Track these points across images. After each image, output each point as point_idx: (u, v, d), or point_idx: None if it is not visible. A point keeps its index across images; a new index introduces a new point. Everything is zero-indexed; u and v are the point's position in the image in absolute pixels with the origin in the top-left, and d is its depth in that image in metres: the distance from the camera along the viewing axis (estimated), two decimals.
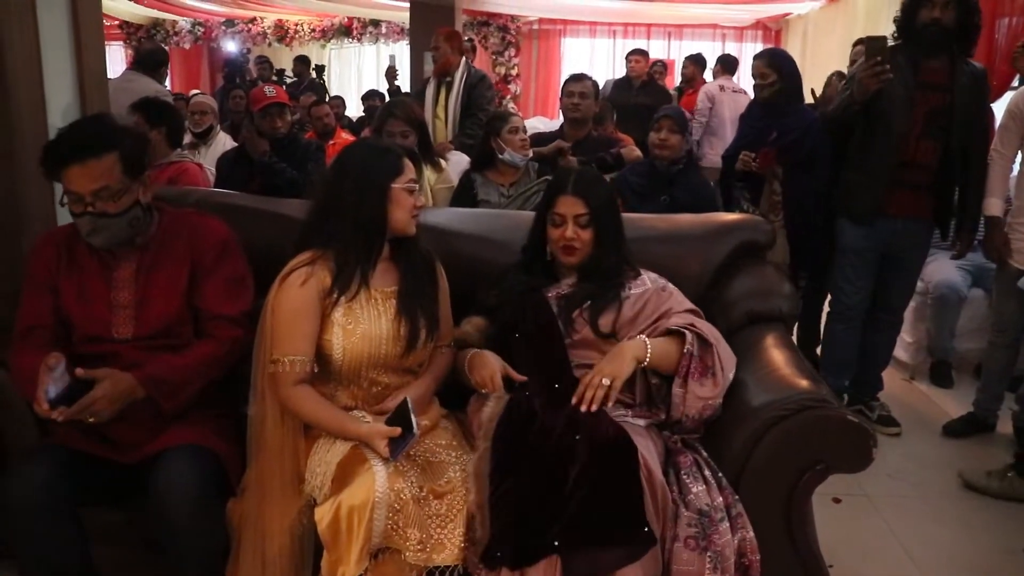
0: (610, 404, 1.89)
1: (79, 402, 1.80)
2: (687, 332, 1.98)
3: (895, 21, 3.32)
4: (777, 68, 3.62)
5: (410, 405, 1.82)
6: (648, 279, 2.17)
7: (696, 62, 8.00)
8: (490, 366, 1.99)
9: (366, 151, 2.03)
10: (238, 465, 1.99)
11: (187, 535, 1.83)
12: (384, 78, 7.17)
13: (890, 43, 3.22)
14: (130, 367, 1.93)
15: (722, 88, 6.83)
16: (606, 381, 1.89)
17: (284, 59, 11.04)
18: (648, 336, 2.01)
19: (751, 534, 1.78)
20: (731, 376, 1.97)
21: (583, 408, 1.86)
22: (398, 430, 1.80)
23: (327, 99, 7.08)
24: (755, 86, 3.78)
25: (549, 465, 1.75)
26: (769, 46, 10.21)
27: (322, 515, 1.73)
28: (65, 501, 1.87)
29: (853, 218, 3.38)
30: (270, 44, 12.12)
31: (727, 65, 7.34)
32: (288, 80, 9.07)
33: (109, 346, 2.01)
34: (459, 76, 4.59)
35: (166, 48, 7.93)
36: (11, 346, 2.01)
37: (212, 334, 2.04)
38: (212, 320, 2.06)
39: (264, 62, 9.62)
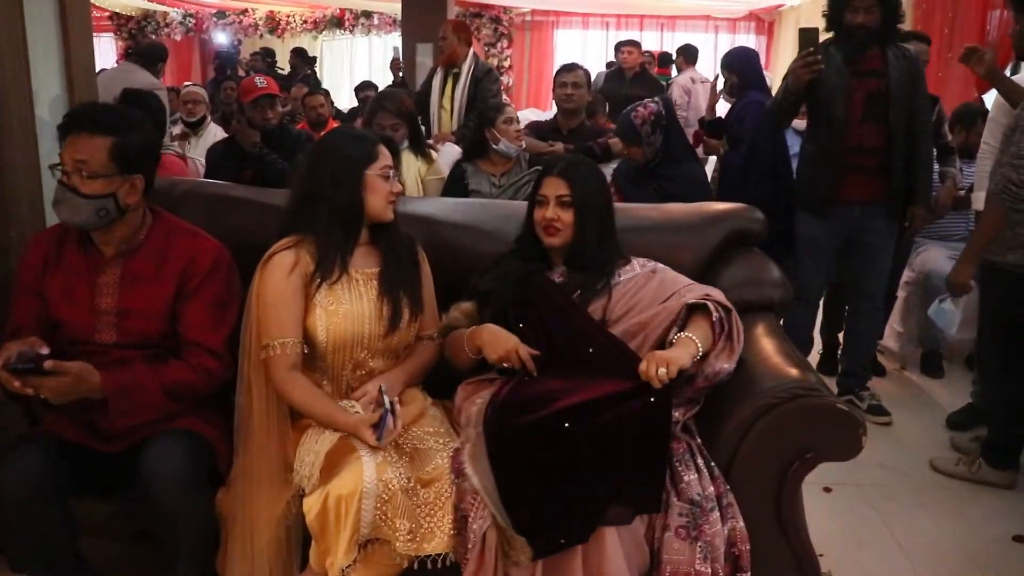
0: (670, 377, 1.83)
1: (29, 380, 1.78)
2: (709, 304, 1.96)
3: (824, 15, 3.43)
4: (728, 66, 3.97)
5: (383, 387, 1.84)
6: (637, 264, 2.17)
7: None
8: (507, 340, 1.97)
9: (341, 138, 2.06)
10: (227, 452, 1.98)
11: (176, 516, 1.82)
12: (389, 70, 7.13)
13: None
14: (116, 365, 1.93)
15: (692, 80, 6.89)
16: (663, 371, 1.81)
17: (276, 51, 10.99)
18: (661, 313, 2.01)
19: (741, 524, 1.77)
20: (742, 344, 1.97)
21: (656, 384, 1.79)
22: (377, 415, 1.80)
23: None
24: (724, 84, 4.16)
25: (564, 437, 1.74)
26: (762, 37, 10.24)
27: (310, 505, 1.73)
28: (54, 491, 1.86)
29: (809, 209, 3.46)
30: (261, 35, 12.08)
31: (690, 56, 7.38)
32: (280, 71, 9.03)
33: (94, 347, 1.99)
34: (466, 68, 4.55)
35: (164, 44, 7.92)
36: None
37: (187, 360, 1.99)
38: (189, 346, 2.00)
39: (259, 55, 9.57)
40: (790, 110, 3.47)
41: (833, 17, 3.36)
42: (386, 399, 1.79)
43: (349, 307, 1.96)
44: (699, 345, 1.90)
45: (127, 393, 1.89)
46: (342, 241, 1.97)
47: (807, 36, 3.25)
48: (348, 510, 1.68)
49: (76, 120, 1.92)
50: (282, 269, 1.93)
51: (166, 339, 2.02)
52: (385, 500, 1.71)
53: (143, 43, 5.60)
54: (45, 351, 1.81)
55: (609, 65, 8.77)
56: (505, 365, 1.97)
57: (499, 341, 1.98)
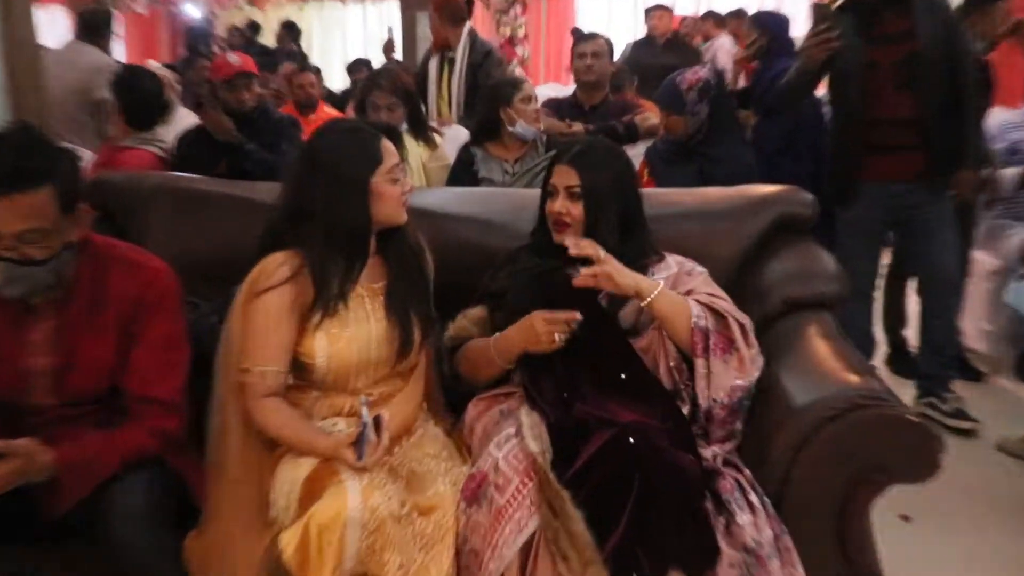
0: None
1: None
2: (693, 303, 1.98)
3: None
4: (762, 25, 4.16)
5: (362, 399, 1.85)
6: (673, 262, 2.17)
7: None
8: (531, 321, 1.99)
9: (337, 140, 1.99)
10: (200, 483, 1.94)
11: (136, 563, 1.78)
12: (382, 52, 7.15)
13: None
14: (55, 425, 1.90)
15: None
16: (602, 253, 1.97)
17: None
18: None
19: (801, 573, 1.73)
20: (758, 358, 1.97)
21: (572, 251, 1.97)
22: (356, 432, 1.79)
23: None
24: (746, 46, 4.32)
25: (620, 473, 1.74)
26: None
27: (288, 540, 1.71)
28: None
29: (836, 199, 3.49)
30: (240, 7, 12.14)
31: (719, 19, 7.94)
32: (261, 47, 9.09)
33: (26, 409, 1.93)
34: (461, 51, 4.52)
35: (111, 10, 7.84)
36: None
37: (140, 420, 1.91)
38: (140, 403, 1.93)
39: (239, 30, 9.65)
40: (803, 90, 3.55)
41: None
42: (364, 411, 1.78)
43: (355, 331, 1.96)
44: (655, 289, 1.97)
45: (81, 470, 1.80)
46: (346, 268, 1.95)
47: (820, 11, 3.36)
48: (330, 541, 1.67)
49: None
50: (278, 301, 1.91)
51: (113, 398, 1.97)
52: (372, 530, 1.69)
53: (84, 12, 5.21)
54: None
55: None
56: (559, 338, 1.97)
57: (527, 327, 2.00)
